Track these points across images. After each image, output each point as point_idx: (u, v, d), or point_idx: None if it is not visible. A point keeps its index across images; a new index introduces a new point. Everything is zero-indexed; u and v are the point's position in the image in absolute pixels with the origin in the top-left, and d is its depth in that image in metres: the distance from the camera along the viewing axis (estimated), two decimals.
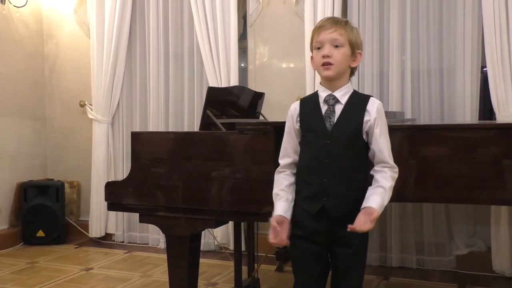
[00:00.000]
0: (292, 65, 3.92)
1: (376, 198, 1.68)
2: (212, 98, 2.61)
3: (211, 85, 3.84)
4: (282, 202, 1.80)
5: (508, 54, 3.20)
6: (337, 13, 3.57)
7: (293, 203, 1.81)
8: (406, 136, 2.06)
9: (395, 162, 1.77)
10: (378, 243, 3.65)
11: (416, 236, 3.58)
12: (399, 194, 2.05)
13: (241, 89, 3.26)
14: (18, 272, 3.55)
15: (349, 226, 1.62)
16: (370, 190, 1.72)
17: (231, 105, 3.01)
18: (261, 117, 3.35)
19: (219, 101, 2.79)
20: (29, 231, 4.28)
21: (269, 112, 3.38)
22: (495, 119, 3.32)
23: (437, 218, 3.54)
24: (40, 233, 4.27)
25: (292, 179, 1.83)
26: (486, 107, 3.84)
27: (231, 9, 3.86)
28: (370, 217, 1.62)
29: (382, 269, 3.56)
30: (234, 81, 3.85)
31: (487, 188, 2.01)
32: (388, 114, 3.13)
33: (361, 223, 1.62)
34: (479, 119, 3.50)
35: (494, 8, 3.20)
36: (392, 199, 2.07)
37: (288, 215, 1.78)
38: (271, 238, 1.75)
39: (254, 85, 3.92)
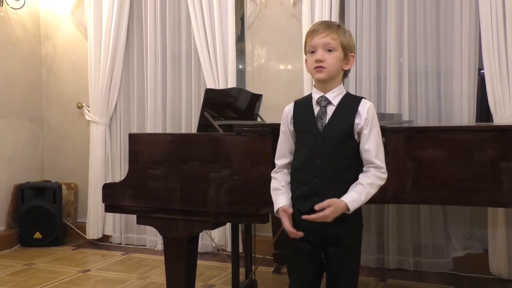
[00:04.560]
0: (289, 67, 3.92)
1: (351, 193, 1.72)
2: (209, 99, 2.61)
3: (208, 86, 3.84)
4: (285, 196, 1.83)
5: (505, 55, 3.20)
6: (335, 15, 3.58)
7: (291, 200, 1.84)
8: (403, 138, 2.07)
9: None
10: (376, 245, 3.65)
11: (413, 238, 3.58)
12: (396, 196, 2.06)
13: (239, 91, 3.27)
14: (15, 274, 3.54)
15: (304, 216, 1.70)
16: (349, 188, 1.74)
17: (229, 107, 3.01)
18: (258, 119, 3.35)
19: (217, 102, 2.79)
20: (26, 233, 4.26)
21: (266, 114, 3.39)
22: (492, 121, 3.33)
23: (434, 220, 3.54)
24: (37, 235, 4.26)
25: (289, 178, 1.86)
26: (483, 109, 3.85)
27: (229, 11, 3.86)
28: (333, 208, 1.68)
29: (379, 271, 3.56)
30: (231, 83, 3.85)
31: (484, 190, 2.01)
32: (385, 116, 3.15)
33: (322, 214, 1.68)
34: (476, 121, 3.51)
35: (491, 10, 3.20)
36: (390, 201, 2.08)
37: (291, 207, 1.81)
38: (291, 232, 1.76)
39: (251, 87, 3.93)
